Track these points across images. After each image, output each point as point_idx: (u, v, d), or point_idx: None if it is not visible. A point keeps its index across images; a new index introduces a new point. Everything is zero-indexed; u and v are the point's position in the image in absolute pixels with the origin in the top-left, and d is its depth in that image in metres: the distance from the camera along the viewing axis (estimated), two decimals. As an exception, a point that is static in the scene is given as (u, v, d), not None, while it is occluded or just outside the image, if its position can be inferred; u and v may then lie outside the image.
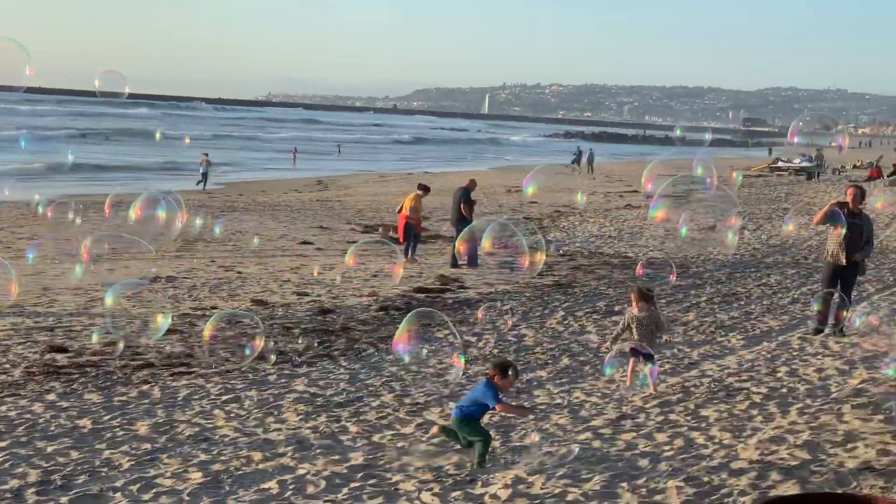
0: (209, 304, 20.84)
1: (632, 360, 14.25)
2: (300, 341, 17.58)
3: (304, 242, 31.27)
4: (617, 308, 20.96)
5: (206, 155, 57.16)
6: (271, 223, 36.51)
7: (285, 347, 17.21)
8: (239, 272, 25.07)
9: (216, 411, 13.27)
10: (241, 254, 28.51)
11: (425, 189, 28.92)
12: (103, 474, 10.72)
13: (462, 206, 27.31)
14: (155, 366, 15.67)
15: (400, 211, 28.55)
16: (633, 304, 14.38)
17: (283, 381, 14.99)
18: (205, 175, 55.47)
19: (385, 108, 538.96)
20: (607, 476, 10.70)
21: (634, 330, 14.21)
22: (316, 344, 17.44)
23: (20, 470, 10.80)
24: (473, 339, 18.09)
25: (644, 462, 11.23)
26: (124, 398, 13.81)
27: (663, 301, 21.71)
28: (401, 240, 27.92)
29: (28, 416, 12.85)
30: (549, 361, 16.60)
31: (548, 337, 18.44)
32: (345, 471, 10.95)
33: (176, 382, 14.73)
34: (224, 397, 13.95)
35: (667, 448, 11.75)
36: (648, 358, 14.07)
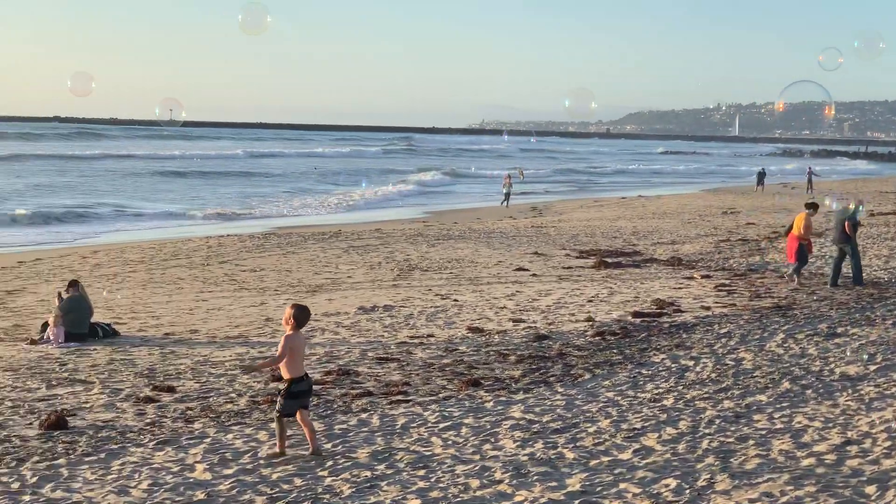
0: (426, 332, 21.09)
1: None
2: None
3: (520, 269, 31.36)
4: (839, 330, 20.42)
5: (509, 177, 65.63)
6: (486, 250, 36.74)
7: (502, 374, 17.30)
8: (455, 300, 25.29)
9: (434, 438, 13.41)
10: (458, 281, 28.77)
11: (815, 208, 28.94)
12: (325, 501, 10.94)
13: (846, 224, 27.37)
14: (373, 394, 15.92)
15: (789, 231, 28.44)
16: None
17: (499, 407, 15.04)
18: (507, 195, 63.59)
19: (598, 133, 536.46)
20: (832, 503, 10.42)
21: None
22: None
23: (246, 497, 11.11)
24: (691, 364, 17.86)
25: (871, 489, 10.89)
26: (344, 426, 14.07)
27: None
28: (790, 259, 28.07)
29: (253, 443, 13.21)
30: (770, 385, 16.25)
31: (767, 360, 18.06)
32: (562, 497, 10.93)
33: (394, 410, 14.94)
34: (441, 425, 14.09)
35: (895, 475, 11.37)
36: None
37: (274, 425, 12.93)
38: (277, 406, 12.76)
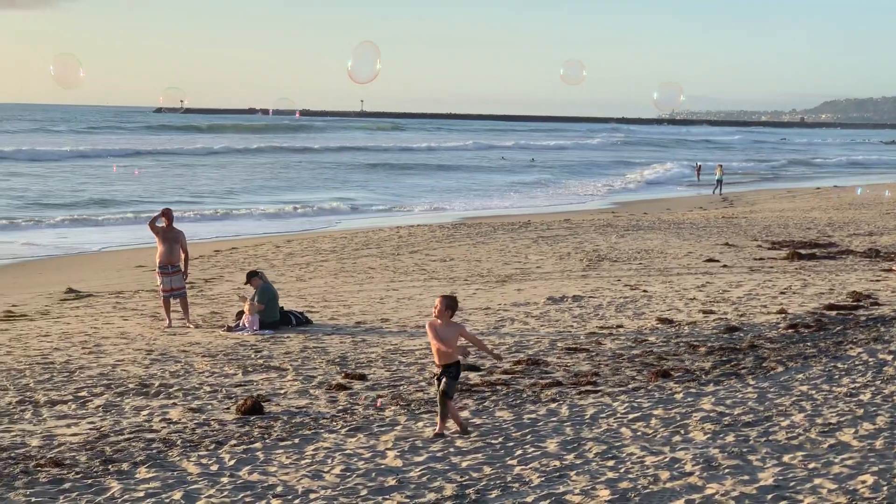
0: (615, 322, 20.98)
1: None
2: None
3: (710, 260, 30.95)
4: None
5: (721, 166, 71.27)
6: (676, 241, 36.37)
7: (692, 366, 17.10)
8: (645, 290, 25.09)
9: (623, 429, 13.34)
10: (647, 272, 28.54)
11: None
12: (514, 489, 10.97)
13: None
14: (562, 384, 15.91)
15: None
16: None
17: (689, 399, 14.88)
18: (719, 182, 67.69)
19: (792, 122, 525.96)
20: None
21: None
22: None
23: (436, 484, 11.21)
24: (889, 358, 17.38)
25: None
26: (534, 416, 14.09)
27: None
28: None
29: (444, 432, 13.31)
30: (974, 381, 15.71)
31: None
32: (754, 491, 10.75)
33: (583, 401, 14.90)
34: (631, 415, 13.99)
35: None
36: None
37: (438, 408, 13.32)
38: (444, 387, 13.07)
